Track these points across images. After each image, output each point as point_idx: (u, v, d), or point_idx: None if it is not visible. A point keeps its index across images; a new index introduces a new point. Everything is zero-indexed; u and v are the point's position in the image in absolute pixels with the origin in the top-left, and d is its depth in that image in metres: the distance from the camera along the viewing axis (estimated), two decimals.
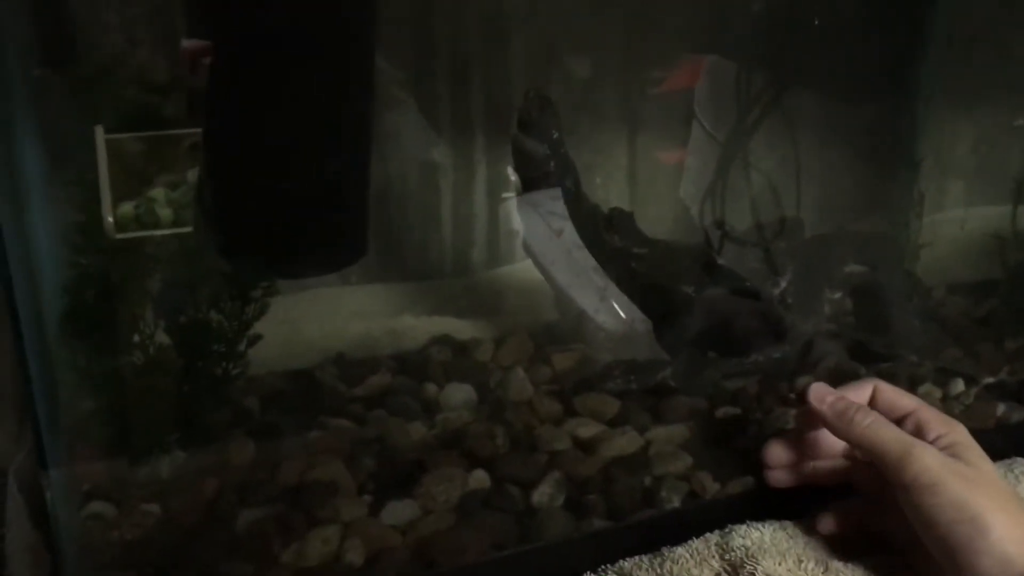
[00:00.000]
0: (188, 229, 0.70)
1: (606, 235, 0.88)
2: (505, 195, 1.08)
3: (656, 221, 0.99)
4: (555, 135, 0.83)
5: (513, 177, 1.02)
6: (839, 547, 0.76)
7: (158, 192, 0.70)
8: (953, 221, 1.02)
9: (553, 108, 0.83)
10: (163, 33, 0.73)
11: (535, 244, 0.96)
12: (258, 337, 0.73)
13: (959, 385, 0.89)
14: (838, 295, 0.88)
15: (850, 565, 0.73)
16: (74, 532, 0.66)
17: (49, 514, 0.66)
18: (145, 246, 0.68)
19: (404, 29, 0.94)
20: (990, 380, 0.90)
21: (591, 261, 0.97)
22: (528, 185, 0.94)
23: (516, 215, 0.98)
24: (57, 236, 0.64)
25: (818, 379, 0.88)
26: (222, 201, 0.71)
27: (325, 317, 0.95)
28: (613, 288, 0.97)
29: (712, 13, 1.02)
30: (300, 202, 0.72)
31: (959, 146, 1.03)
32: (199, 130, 0.67)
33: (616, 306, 0.95)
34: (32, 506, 0.72)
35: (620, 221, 0.89)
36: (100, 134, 0.70)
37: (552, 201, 1.00)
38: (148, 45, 0.73)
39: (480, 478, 0.77)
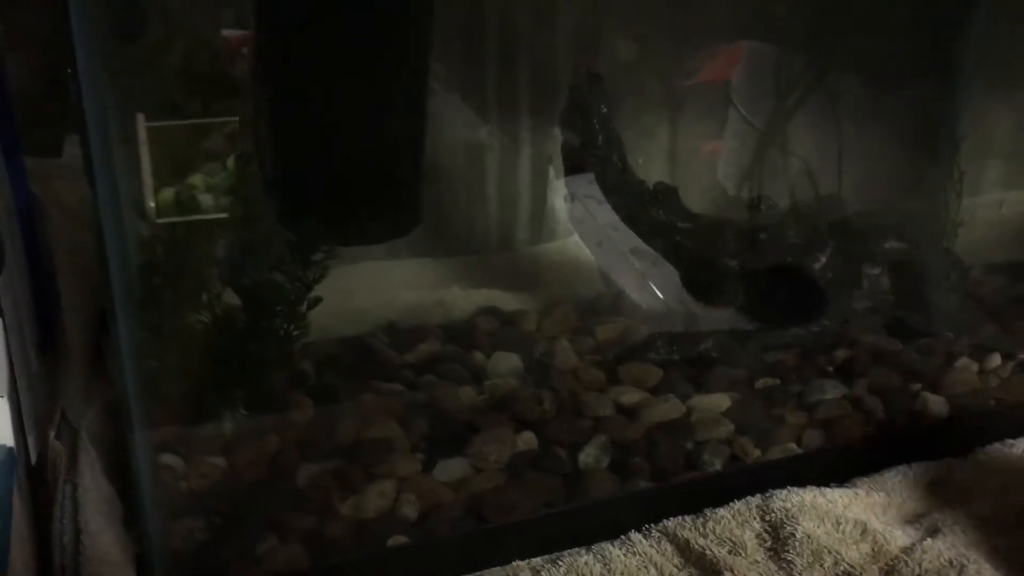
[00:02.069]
0: (225, 215, 0.73)
1: (651, 210, 0.90)
2: (550, 179, 1.10)
3: (695, 200, 1.02)
4: (604, 110, 0.86)
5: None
6: (878, 511, 0.78)
7: (197, 179, 0.73)
8: (993, 202, 1.04)
9: (603, 84, 0.86)
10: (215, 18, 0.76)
11: (579, 222, 0.98)
12: (318, 300, 0.77)
13: (995, 359, 0.91)
14: (877, 271, 0.90)
15: (888, 528, 0.76)
16: (146, 483, 0.69)
17: (125, 466, 0.69)
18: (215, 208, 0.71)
19: (458, 9, 0.97)
20: None
21: (628, 243, 1.00)
22: (573, 165, 0.97)
23: (563, 194, 1.01)
24: (134, 200, 0.68)
25: (857, 353, 0.91)
26: (283, 170, 0.75)
27: (376, 288, 0.98)
28: (651, 268, 1.00)
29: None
30: (357, 172, 0.76)
31: (999, 128, 1.04)
32: (236, 118, 0.70)
33: (653, 286, 0.98)
34: (104, 459, 0.76)
35: (665, 196, 0.92)
36: (141, 122, 0.74)
37: (588, 185, 1.03)
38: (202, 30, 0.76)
39: (528, 440, 0.80)
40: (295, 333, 0.77)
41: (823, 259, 0.88)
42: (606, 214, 1.03)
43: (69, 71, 0.57)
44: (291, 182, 0.75)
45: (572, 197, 1.01)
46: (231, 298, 0.75)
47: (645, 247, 1.01)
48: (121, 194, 0.63)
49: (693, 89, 1.11)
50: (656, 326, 0.95)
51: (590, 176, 1.04)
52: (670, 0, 1.04)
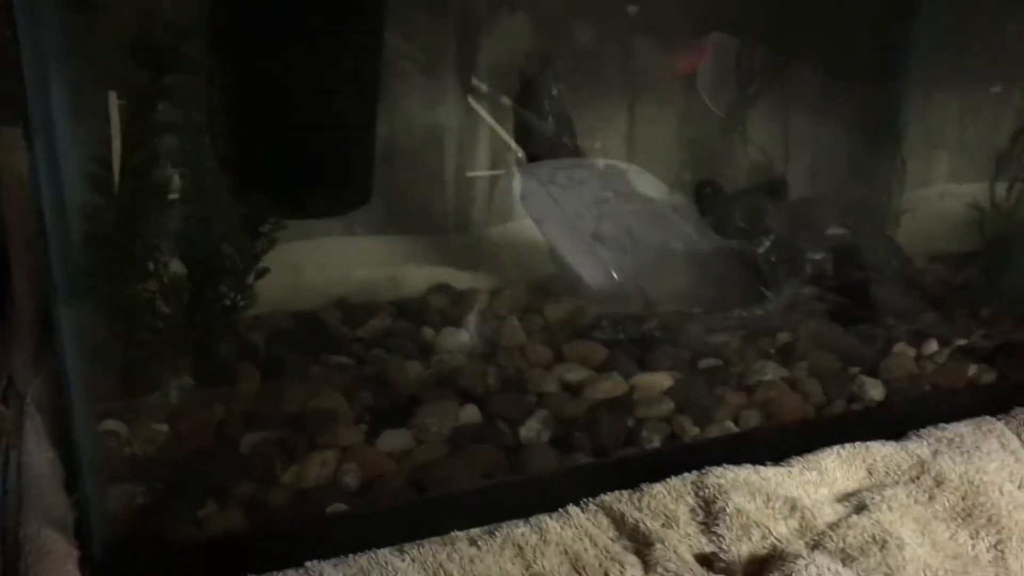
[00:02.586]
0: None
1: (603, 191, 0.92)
2: (511, 165, 1.12)
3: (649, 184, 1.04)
4: (554, 92, 0.87)
5: (519, 153, 1.06)
6: (810, 490, 0.80)
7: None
8: (936, 195, 1.06)
9: (553, 66, 0.87)
10: None
11: (533, 203, 1.00)
12: (265, 271, 0.77)
13: (932, 346, 0.93)
14: (820, 256, 0.92)
15: (818, 505, 0.78)
16: (89, 448, 0.70)
17: (67, 432, 0.70)
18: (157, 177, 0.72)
19: None
20: (963, 343, 0.94)
21: (591, 228, 1.02)
22: (530, 142, 0.98)
23: (517, 176, 1.03)
24: (78, 166, 0.68)
25: (798, 336, 0.93)
26: (234, 142, 0.75)
27: (330, 264, 0.99)
28: (611, 252, 1.01)
29: None
30: (308, 145, 0.76)
31: (943, 121, 1.06)
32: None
33: (612, 271, 1.00)
34: (49, 425, 0.76)
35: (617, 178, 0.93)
36: (113, 99, 0.75)
37: (554, 171, 1.04)
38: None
39: (471, 413, 0.81)
40: (241, 303, 0.78)
41: (767, 244, 0.90)
42: (570, 199, 1.04)
43: (10, 36, 0.58)
44: (242, 154, 0.76)
45: (534, 180, 1.03)
46: (179, 268, 0.76)
47: (607, 232, 1.03)
48: (63, 163, 0.63)
49: (654, 75, 1.12)
50: (609, 306, 0.97)
51: (559, 162, 1.06)
52: None
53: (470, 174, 1.10)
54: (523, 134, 0.95)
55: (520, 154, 1.01)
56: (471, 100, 1.03)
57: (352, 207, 0.87)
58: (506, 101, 1.01)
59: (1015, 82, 1.00)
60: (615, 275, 0.99)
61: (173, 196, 0.75)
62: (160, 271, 0.74)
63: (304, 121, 0.75)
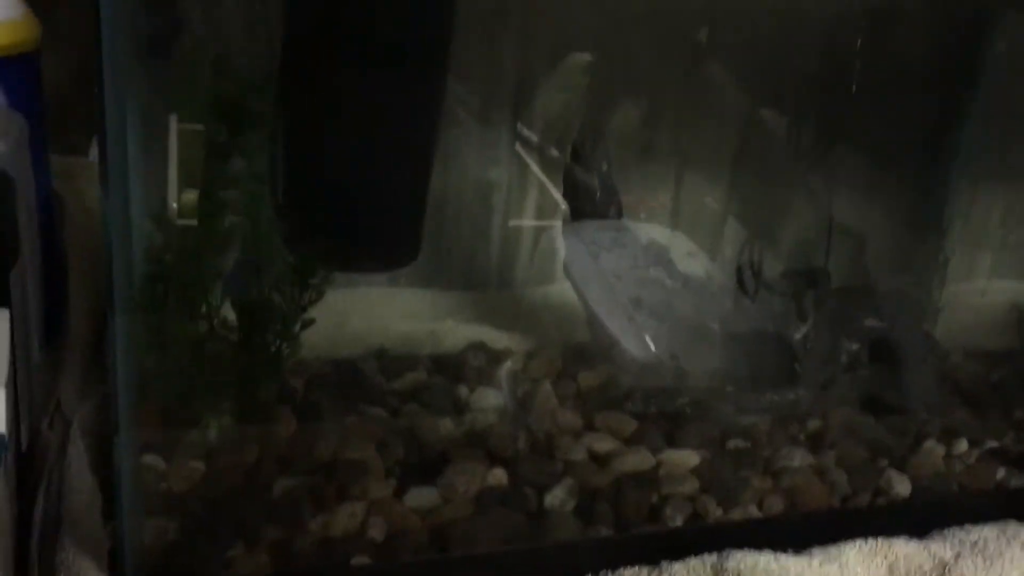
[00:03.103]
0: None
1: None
2: (553, 221, 1.14)
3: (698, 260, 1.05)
4: (604, 167, 0.89)
5: (563, 205, 1.08)
6: None
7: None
8: (977, 291, 1.06)
9: (605, 142, 0.89)
10: (251, 33, 0.80)
11: (575, 269, 1.02)
12: (311, 321, 0.80)
13: (963, 445, 0.93)
14: (856, 347, 0.92)
15: None
16: (129, 479, 0.73)
17: (109, 461, 0.73)
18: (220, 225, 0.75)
19: (475, 54, 1.01)
20: (994, 444, 0.94)
21: (629, 292, 1.03)
22: (576, 214, 1.00)
23: (561, 239, 1.05)
24: (148, 209, 0.71)
25: (828, 425, 0.93)
26: (292, 195, 0.79)
27: (373, 314, 1.01)
28: (649, 320, 1.03)
29: (767, 69, 1.08)
30: (362, 203, 0.79)
31: (988, 218, 1.07)
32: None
33: (647, 337, 1.01)
34: (92, 452, 0.79)
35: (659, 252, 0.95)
36: (174, 124, 0.78)
37: (596, 231, 1.06)
38: (236, 45, 0.81)
39: (499, 475, 0.83)
40: (286, 351, 0.81)
41: (804, 330, 0.91)
42: (611, 262, 1.06)
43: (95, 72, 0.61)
44: (298, 207, 0.79)
45: (576, 239, 1.05)
46: (229, 311, 0.79)
47: (647, 298, 1.05)
48: (133, 198, 0.66)
49: (704, 148, 1.14)
50: (642, 378, 0.98)
51: (600, 223, 1.08)
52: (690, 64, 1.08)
53: (514, 224, 1.12)
54: (570, 202, 0.97)
55: (566, 216, 1.04)
56: (523, 153, 1.06)
57: (400, 265, 0.91)
58: (557, 157, 1.04)
59: None
60: (651, 344, 1.00)
61: (232, 240, 0.78)
62: (212, 313, 0.77)
63: (360, 179, 0.78)
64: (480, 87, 1.03)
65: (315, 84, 0.75)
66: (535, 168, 1.09)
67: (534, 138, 1.03)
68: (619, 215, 0.93)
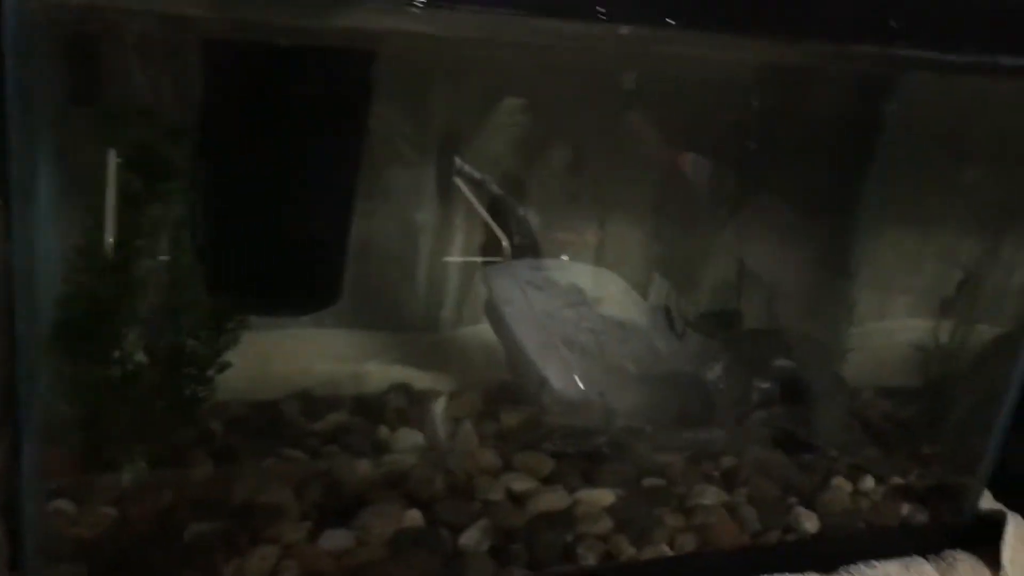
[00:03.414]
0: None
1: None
2: (488, 259, 1.15)
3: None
4: (521, 214, 0.92)
5: (504, 243, 1.10)
6: None
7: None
8: (884, 331, 1.10)
9: (523, 191, 0.92)
10: (177, 83, 0.81)
11: (508, 310, 1.03)
12: (227, 364, 0.80)
13: (869, 482, 0.96)
14: (767, 386, 0.95)
15: None
16: (36, 525, 0.72)
17: (15, 507, 0.72)
18: (136, 272, 0.75)
19: (395, 100, 1.02)
20: (899, 481, 0.97)
21: (562, 332, 1.05)
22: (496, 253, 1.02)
23: (493, 280, 1.06)
24: (58, 254, 0.72)
25: (741, 463, 0.96)
26: (213, 241, 0.79)
27: (297, 356, 1.02)
28: (580, 359, 1.04)
29: (693, 117, 1.11)
30: (280, 249, 0.80)
31: (894, 263, 1.11)
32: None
33: (576, 378, 1.02)
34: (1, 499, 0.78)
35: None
36: (112, 161, 0.78)
37: (531, 271, 1.08)
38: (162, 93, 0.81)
39: (415, 517, 0.83)
40: (201, 395, 0.81)
41: (717, 369, 0.94)
42: (543, 302, 1.08)
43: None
44: (218, 253, 0.80)
45: (509, 278, 1.07)
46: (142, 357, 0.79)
47: (577, 338, 1.06)
48: (40, 244, 0.67)
49: (628, 191, 1.17)
50: (570, 416, 1.00)
51: (534, 262, 1.09)
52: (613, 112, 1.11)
53: (448, 260, 1.14)
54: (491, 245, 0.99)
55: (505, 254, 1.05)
56: (462, 187, 1.07)
57: (320, 308, 0.92)
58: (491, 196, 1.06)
59: (966, 231, 1.05)
60: (580, 383, 1.02)
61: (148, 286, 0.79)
62: (124, 359, 0.77)
63: (278, 225, 0.79)
64: (403, 133, 1.05)
65: (233, 132, 0.77)
66: (473, 207, 1.11)
67: (472, 177, 1.05)
68: (536, 255, 0.95)
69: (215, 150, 0.77)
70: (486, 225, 1.06)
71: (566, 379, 1.01)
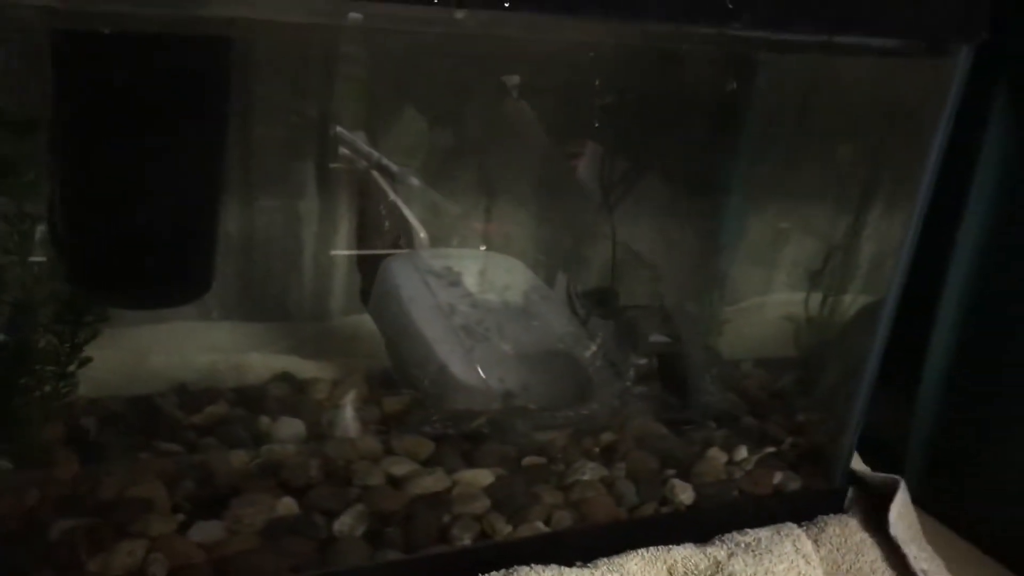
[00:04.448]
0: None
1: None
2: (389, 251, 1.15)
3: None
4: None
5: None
6: None
7: None
8: (756, 305, 1.13)
9: (392, 175, 0.92)
10: (28, 77, 0.80)
11: (407, 299, 1.03)
12: (88, 359, 0.79)
13: (742, 452, 0.98)
14: (643, 361, 0.97)
15: None
16: None
17: None
18: None
19: (273, 84, 1.02)
20: (772, 449, 0.99)
21: (463, 321, 1.06)
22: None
23: (394, 270, 1.06)
24: None
25: (619, 438, 0.97)
26: (73, 232, 0.78)
27: (175, 348, 1.01)
28: (479, 345, 1.05)
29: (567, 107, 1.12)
30: (142, 239, 0.79)
31: (763, 238, 1.14)
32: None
33: (478, 366, 1.03)
34: None
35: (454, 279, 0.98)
36: None
37: (433, 260, 1.09)
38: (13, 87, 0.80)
39: (289, 505, 0.83)
40: (63, 390, 0.80)
41: (593, 347, 0.95)
42: (444, 292, 1.08)
43: None
44: (77, 245, 0.79)
45: (411, 266, 1.07)
46: None
47: (476, 326, 1.07)
48: None
49: (519, 176, 1.18)
50: (467, 400, 1.00)
51: (436, 251, 1.10)
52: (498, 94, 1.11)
53: (335, 254, 1.13)
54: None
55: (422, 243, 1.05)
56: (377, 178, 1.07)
57: (188, 299, 0.91)
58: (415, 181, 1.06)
59: (831, 206, 1.08)
60: (479, 367, 1.03)
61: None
62: None
63: (137, 214, 0.78)
64: (279, 119, 1.05)
65: (88, 119, 0.75)
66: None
67: (388, 165, 1.04)
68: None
69: (68, 141, 0.75)
70: (379, 215, 1.06)
71: (465, 365, 1.02)
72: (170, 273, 0.82)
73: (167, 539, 0.78)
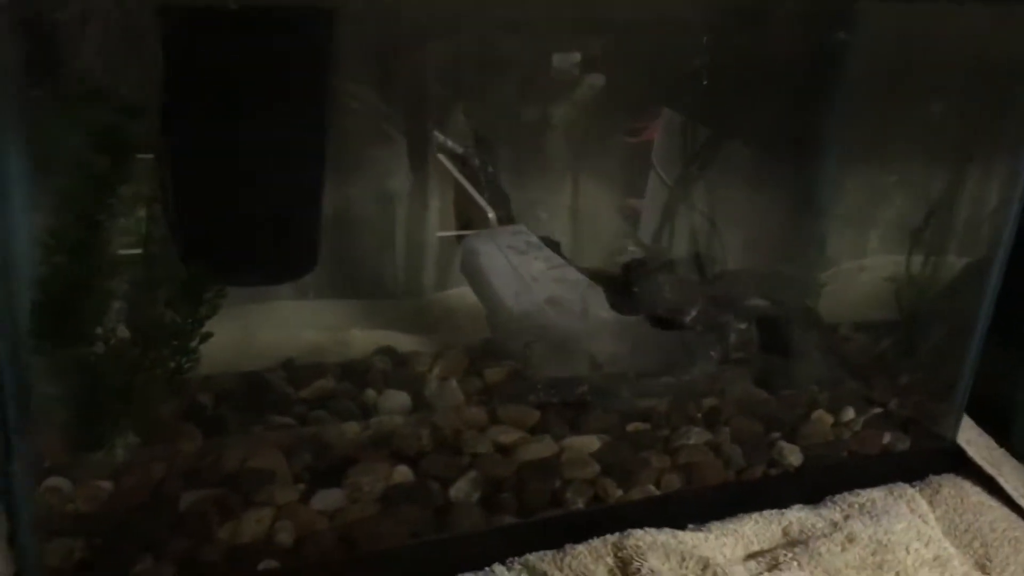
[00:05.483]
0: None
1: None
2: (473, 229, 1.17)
3: (595, 254, 1.09)
4: (490, 170, 0.93)
5: (490, 213, 1.11)
6: (726, 551, 0.84)
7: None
8: (856, 267, 1.12)
9: (490, 146, 0.93)
10: (139, 62, 0.82)
11: (492, 274, 1.04)
12: (209, 335, 0.81)
13: (849, 413, 0.97)
14: (743, 326, 0.97)
15: (730, 565, 0.81)
16: (29, 503, 0.73)
17: (10, 486, 0.74)
18: (112, 249, 0.76)
19: (369, 66, 1.03)
20: (878, 410, 0.98)
21: (546, 292, 1.07)
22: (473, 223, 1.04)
23: (475, 247, 1.07)
24: (33, 237, 0.73)
25: (722, 403, 0.97)
26: (185, 213, 0.80)
27: (281, 326, 1.03)
28: (565, 318, 1.06)
29: (661, 72, 1.11)
30: (252, 217, 0.81)
31: (861, 199, 1.12)
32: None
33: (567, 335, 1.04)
34: None
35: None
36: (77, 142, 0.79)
37: (512, 236, 1.09)
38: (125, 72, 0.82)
39: (404, 473, 0.85)
40: (186, 366, 0.82)
41: (693, 313, 0.95)
42: (526, 265, 1.09)
43: None
44: (191, 225, 0.81)
45: (493, 244, 1.08)
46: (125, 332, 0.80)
47: (561, 297, 1.08)
48: (16, 228, 0.68)
49: (595, 150, 1.18)
50: (544, 371, 1.01)
51: (517, 227, 1.11)
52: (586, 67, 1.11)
53: (424, 229, 1.15)
54: (463, 207, 1.00)
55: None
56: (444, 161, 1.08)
57: (296, 275, 0.93)
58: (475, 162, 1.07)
59: (931, 163, 1.06)
60: (566, 338, 1.03)
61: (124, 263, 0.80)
62: (107, 335, 0.78)
63: (248, 194, 0.80)
64: (377, 102, 1.06)
65: (201, 103, 0.77)
66: (457, 180, 1.12)
67: (453, 148, 1.06)
68: (508, 216, 0.96)
69: (182, 123, 0.77)
70: (468, 195, 1.07)
71: (553, 335, 1.03)
72: (281, 250, 0.85)
73: (292, 507, 0.80)
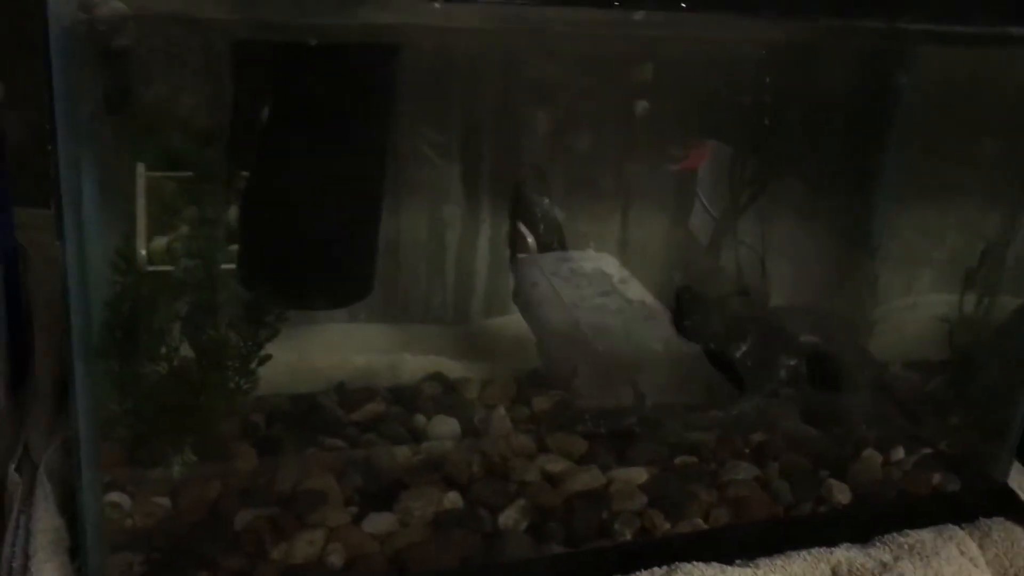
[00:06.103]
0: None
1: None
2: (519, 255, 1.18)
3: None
4: (545, 201, 0.94)
5: (530, 239, 1.13)
6: None
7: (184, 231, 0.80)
8: (907, 305, 1.11)
9: (545, 178, 0.94)
10: (206, 89, 0.84)
11: (537, 301, 1.05)
12: (268, 357, 0.83)
13: (900, 453, 0.97)
14: (793, 362, 0.97)
15: None
16: (93, 518, 0.75)
17: (74, 501, 0.75)
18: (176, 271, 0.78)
19: (422, 99, 1.05)
20: (929, 451, 0.98)
21: (589, 319, 1.07)
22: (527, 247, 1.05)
23: (521, 273, 1.08)
24: (105, 258, 0.75)
25: (771, 438, 0.97)
26: (248, 238, 0.83)
27: (332, 349, 1.05)
28: (603, 347, 1.06)
29: (711, 104, 1.12)
30: (314, 245, 0.83)
31: (914, 237, 1.12)
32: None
33: (606, 363, 1.04)
34: (58, 494, 0.82)
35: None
36: (141, 172, 0.81)
37: (556, 263, 1.11)
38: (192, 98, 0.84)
39: (454, 499, 0.86)
40: (245, 387, 0.84)
41: (743, 348, 0.95)
42: (570, 292, 1.10)
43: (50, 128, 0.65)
44: (253, 250, 0.83)
45: (538, 270, 1.10)
46: (188, 350, 0.82)
47: (606, 325, 1.09)
48: (90, 247, 0.70)
49: (642, 183, 1.19)
50: (592, 401, 1.02)
51: (560, 254, 1.12)
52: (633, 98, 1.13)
53: (474, 255, 1.16)
54: (516, 239, 1.01)
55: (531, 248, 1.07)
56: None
57: (353, 300, 0.95)
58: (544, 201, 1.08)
59: (985, 202, 1.06)
60: (609, 369, 1.04)
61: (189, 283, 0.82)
62: (170, 354, 0.80)
63: (310, 221, 0.82)
64: (432, 131, 1.08)
65: (266, 131, 0.80)
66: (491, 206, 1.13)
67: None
68: (562, 246, 0.98)
69: (248, 150, 0.80)
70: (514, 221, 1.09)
71: (594, 367, 1.04)
72: (341, 276, 0.87)
73: (344, 529, 0.81)
